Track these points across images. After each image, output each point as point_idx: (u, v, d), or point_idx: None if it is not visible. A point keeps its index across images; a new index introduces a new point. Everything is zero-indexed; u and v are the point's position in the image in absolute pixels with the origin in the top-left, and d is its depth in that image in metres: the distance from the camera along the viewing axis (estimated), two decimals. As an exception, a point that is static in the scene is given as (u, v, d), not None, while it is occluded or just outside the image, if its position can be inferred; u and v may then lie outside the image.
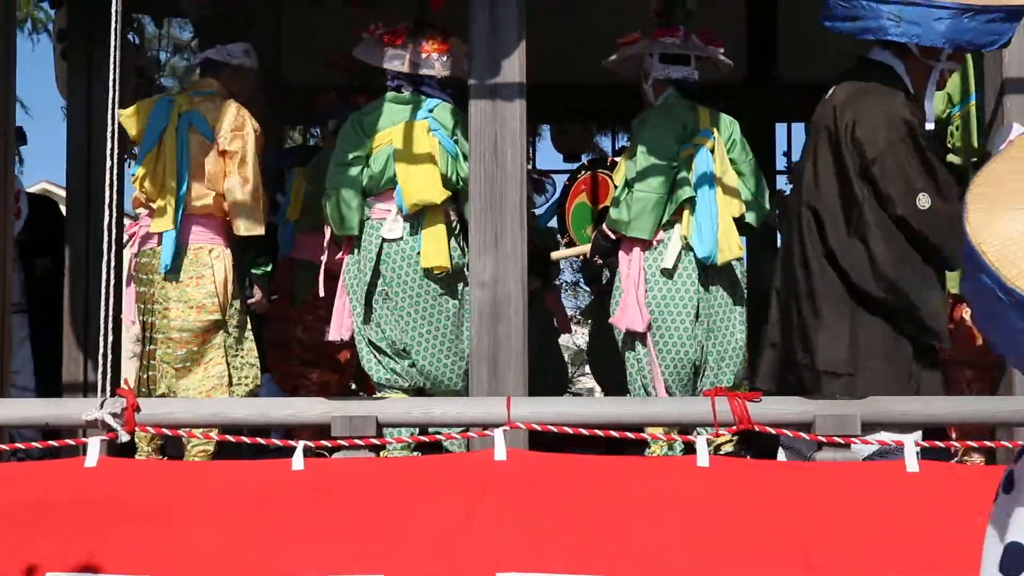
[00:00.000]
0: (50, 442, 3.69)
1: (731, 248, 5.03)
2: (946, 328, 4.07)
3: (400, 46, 5.17)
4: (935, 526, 3.21)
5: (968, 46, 4.12)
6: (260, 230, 5.22)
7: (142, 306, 5.18)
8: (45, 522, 3.25)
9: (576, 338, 16.23)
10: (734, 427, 3.47)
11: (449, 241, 5.07)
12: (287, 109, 8.49)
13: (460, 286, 5.08)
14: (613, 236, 5.30)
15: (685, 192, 5.07)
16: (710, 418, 3.48)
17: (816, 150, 4.15)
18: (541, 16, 4.94)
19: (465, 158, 4.92)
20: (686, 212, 5.07)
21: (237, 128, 5.16)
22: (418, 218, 5.07)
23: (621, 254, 5.26)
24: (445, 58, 5.15)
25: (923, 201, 3.95)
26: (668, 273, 5.07)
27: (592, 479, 3.37)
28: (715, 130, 5.20)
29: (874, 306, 3.97)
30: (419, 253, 5.05)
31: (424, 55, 5.12)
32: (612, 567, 3.15)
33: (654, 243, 5.11)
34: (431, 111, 5.15)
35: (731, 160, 5.21)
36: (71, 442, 3.46)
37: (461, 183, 5.03)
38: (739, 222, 5.19)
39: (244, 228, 5.13)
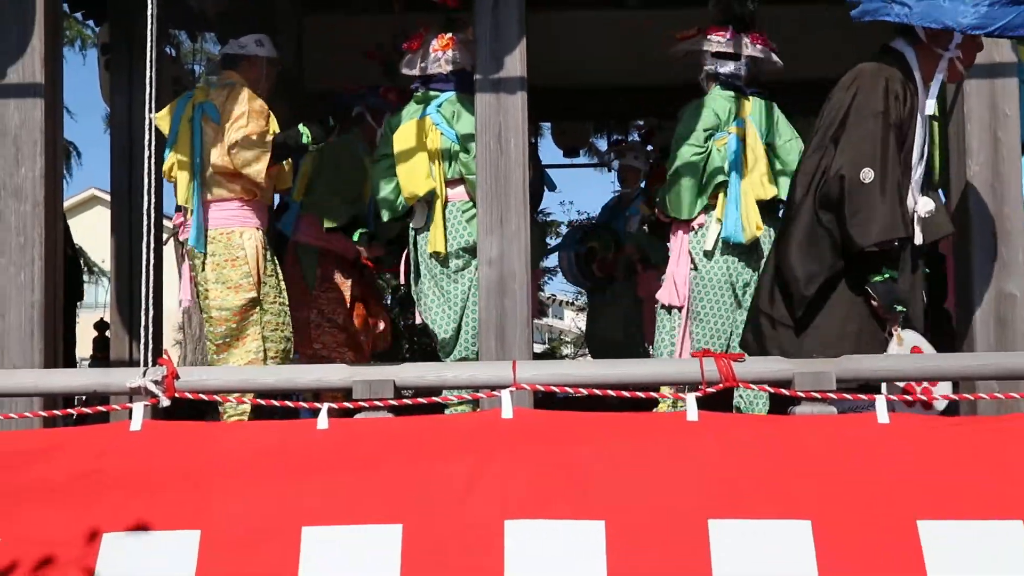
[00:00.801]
0: (98, 408, 3.60)
1: (751, 228, 4.95)
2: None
3: (416, 51, 5.17)
4: (904, 472, 3.17)
5: (987, 33, 3.80)
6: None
7: (195, 288, 5.17)
8: (98, 485, 3.20)
9: (579, 321, 16.46)
10: (720, 384, 3.40)
11: (447, 226, 5.08)
12: (307, 111, 8.41)
13: (474, 265, 5.05)
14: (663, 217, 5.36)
15: (718, 178, 5.04)
16: (699, 377, 3.43)
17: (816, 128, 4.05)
18: (543, 24, 4.88)
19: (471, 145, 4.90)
20: (720, 196, 5.04)
21: (240, 109, 5.05)
22: (428, 208, 5.05)
23: (670, 235, 5.30)
24: (450, 53, 5.13)
25: (866, 175, 3.81)
26: (709, 254, 5.05)
27: (591, 433, 3.32)
28: (750, 119, 5.12)
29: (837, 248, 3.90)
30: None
31: (432, 54, 5.15)
32: (611, 512, 3.10)
33: (695, 226, 5.09)
34: (439, 107, 5.12)
35: (772, 143, 5.14)
36: (118, 407, 3.39)
37: (464, 170, 5.01)
38: (778, 201, 5.11)
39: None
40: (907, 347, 3.84)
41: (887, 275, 3.88)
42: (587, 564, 3.03)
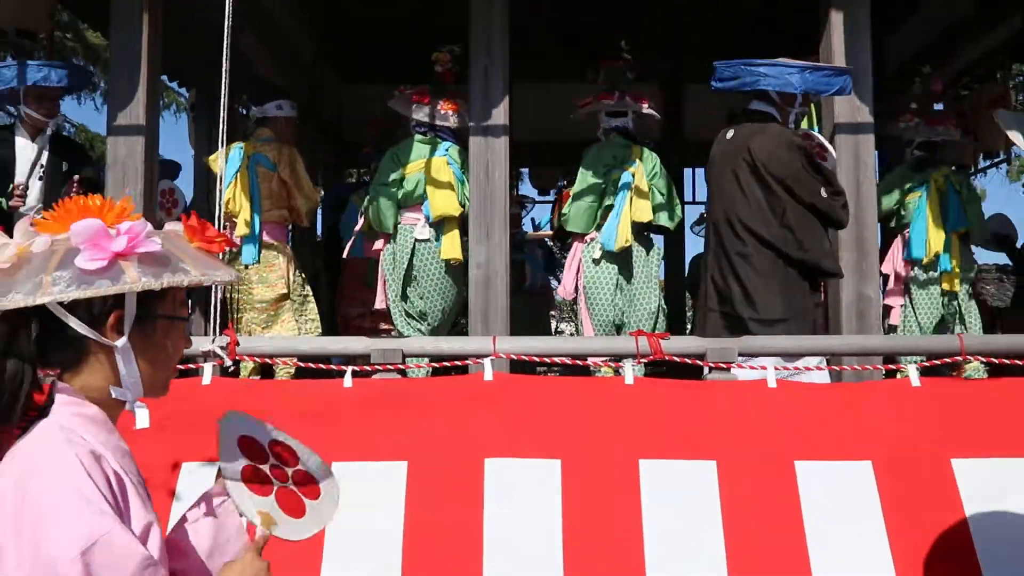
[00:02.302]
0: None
1: (620, 240, 5.03)
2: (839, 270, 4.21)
3: (425, 104, 5.20)
4: (785, 424, 3.20)
5: (817, 94, 4.17)
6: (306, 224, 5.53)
7: (232, 286, 5.20)
8: (178, 425, 3.20)
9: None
10: (650, 356, 3.43)
11: (461, 240, 5.07)
12: (345, 157, 8.48)
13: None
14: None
15: (608, 202, 5.13)
16: (635, 351, 3.46)
17: (737, 174, 4.15)
18: (526, 92, 4.95)
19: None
20: (609, 216, 5.11)
21: (289, 163, 5.32)
22: (439, 225, 5.07)
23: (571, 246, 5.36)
24: (456, 115, 5.18)
25: (823, 192, 4.06)
26: (596, 261, 5.12)
27: (552, 392, 3.35)
28: (640, 161, 5.19)
29: (800, 270, 4.06)
30: (440, 249, 5.08)
31: (441, 111, 5.18)
32: (565, 452, 3.13)
33: (587, 240, 5.17)
34: (447, 151, 5.15)
35: (653, 183, 5.18)
36: (192, 366, 3.44)
37: (467, 201, 4.99)
38: (653, 225, 5.24)
39: (307, 221, 5.47)
40: None
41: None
42: (547, 491, 3.06)
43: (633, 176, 5.12)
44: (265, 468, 1.76)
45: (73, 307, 1.43)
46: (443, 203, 5.06)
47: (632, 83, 5.46)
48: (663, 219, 5.24)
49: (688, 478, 3.08)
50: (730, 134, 4.27)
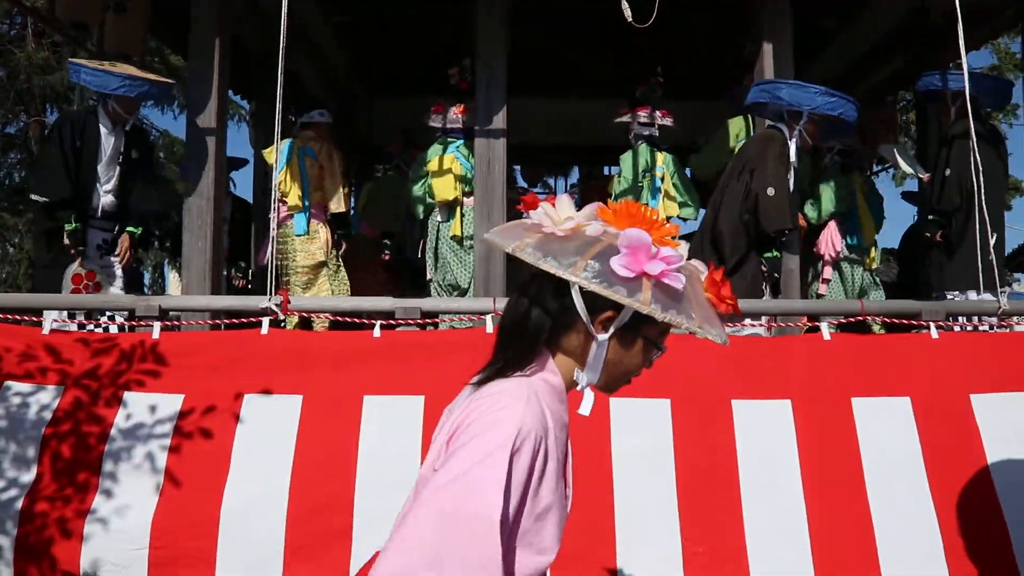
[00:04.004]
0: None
1: None
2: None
3: (440, 113, 5.11)
4: (719, 367, 3.11)
5: (831, 115, 4.08)
6: (343, 208, 5.31)
7: (280, 255, 5.09)
8: (242, 364, 3.15)
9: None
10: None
11: (463, 220, 4.97)
12: (373, 158, 8.32)
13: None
14: None
15: (644, 200, 5.00)
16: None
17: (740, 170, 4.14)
18: (521, 104, 4.84)
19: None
20: None
21: (328, 154, 5.20)
22: (451, 209, 4.97)
23: None
24: (464, 117, 5.07)
25: (770, 191, 3.98)
26: None
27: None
28: (665, 165, 5.08)
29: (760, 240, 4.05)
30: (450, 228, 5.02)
31: (453, 116, 5.06)
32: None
33: None
34: (457, 148, 5.05)
35: (674, 182, 5.10)
36: (253, 320, 3.36)
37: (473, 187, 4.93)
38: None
39: (335, 207, 5.21)
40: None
41: (775, 254, 4.11)
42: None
43: (661, 180, 5.04)
44: None
45: (584, 293, 1.26)
46: (442, 188, 4.99)
47: (662, 100, 5.33)
48: (687, 213, 5.15)
49: (649, 414, 3.00)
50: (751, 138, 4.33)
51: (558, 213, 1.28)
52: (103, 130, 4.48)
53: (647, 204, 4.89)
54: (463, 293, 5.03)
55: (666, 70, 5.38)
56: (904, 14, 5.73)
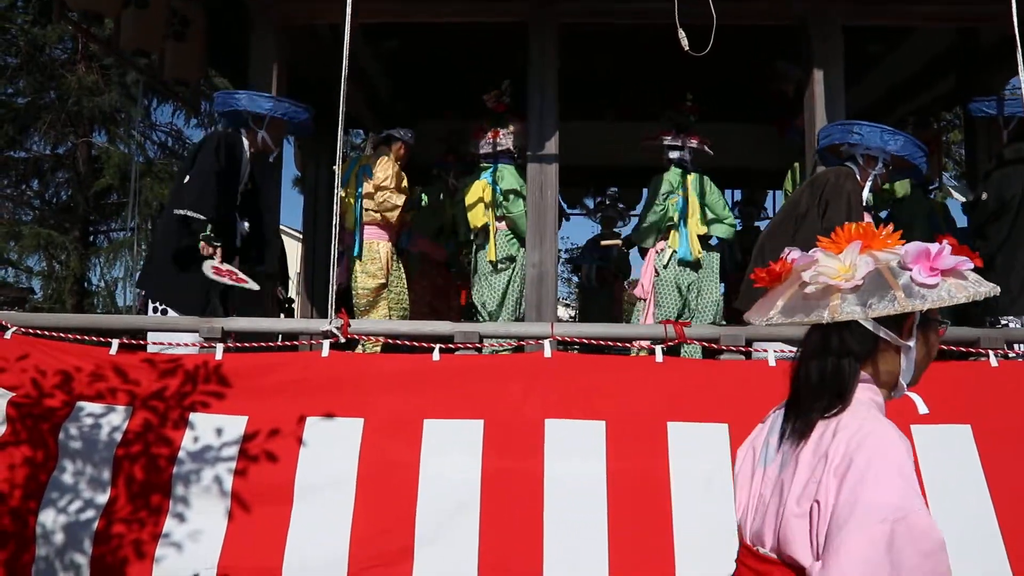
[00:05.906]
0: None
1: (694, 252, 4.89)
2: None
3: (479, 139, 5.16)
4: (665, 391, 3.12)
5: (904, 157, 3.94)
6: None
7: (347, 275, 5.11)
8: (304, 386, 3.17)
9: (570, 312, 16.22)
10: (675, 340, 3.35)
11: (496, 244, 5.00)
12: (420, 174, 8.38)
13: (513, 271, 4.99)
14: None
15: (670, 222, 4.94)
16: (664, 335, 3.37)
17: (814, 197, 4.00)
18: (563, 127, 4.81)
19: (517, 197, 4.84)
20: (672, 232, 4.94)
21: (382, 168, 5.09)
22: (486, 233, 4.99)
23: (643, 256, 5.20)
24: (496, 141, 5.11)
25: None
26: (665, 266, 4.93)
27: (598, 366, 3.27)
28: (692, 186, 5.02)
29: None
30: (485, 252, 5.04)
31: (489, 139, 5.10)
32: (609, 415, 3.06)
33: (657, 250, 4.99)
34: (493, 172, 5.10)
35: (706, 202, 5.04)
36: (315, 342, 3.38)
37: (508, 212, 4.97)
38: (707, 236, 5.09)
39: (397, 225, 5.19)
40: None
41: None
42: (594, 446, 2.99)
43: (687, 201, 4.98)
44: None
45: (881, 318, 1.39)
46: (474, 215, 5.08)
47: (694, 124, 5.28)
48: (719, 231, 5.09)
49: (707, 438, 2.98)
50: (824, 171, 4.11)
51: (841, 264, 1.39)
52: (245, 156, 4.20)
53: (671, 227, 4.91)
54: (491, 316, 5.04)
55: (702, 93, 5.35)
56: (953, 37, 5.67)
